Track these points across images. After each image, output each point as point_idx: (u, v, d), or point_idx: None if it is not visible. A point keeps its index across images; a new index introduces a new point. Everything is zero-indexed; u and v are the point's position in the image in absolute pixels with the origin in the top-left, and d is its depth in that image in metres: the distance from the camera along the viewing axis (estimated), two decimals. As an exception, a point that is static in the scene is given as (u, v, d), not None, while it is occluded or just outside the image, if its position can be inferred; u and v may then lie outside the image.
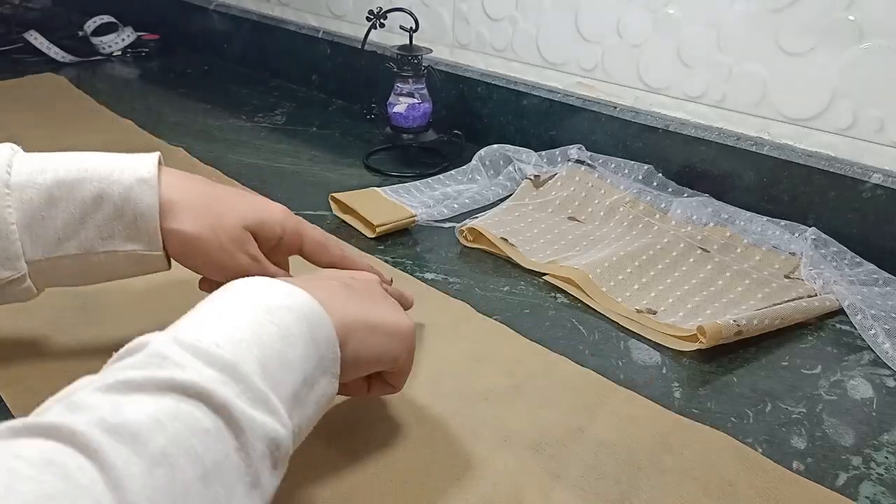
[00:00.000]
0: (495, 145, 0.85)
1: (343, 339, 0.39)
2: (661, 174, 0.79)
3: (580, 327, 0.60)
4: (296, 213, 0.75)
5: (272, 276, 0.47)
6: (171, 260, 0.49)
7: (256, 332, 0.35)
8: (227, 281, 0.42)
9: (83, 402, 0.28)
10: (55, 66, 1.22)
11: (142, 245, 0.46)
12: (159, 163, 0.48)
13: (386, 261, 0.68)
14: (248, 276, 0.46)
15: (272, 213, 0.51)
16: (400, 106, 0.86)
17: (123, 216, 0.46)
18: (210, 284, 0.51)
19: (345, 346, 0.39)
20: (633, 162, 0.80)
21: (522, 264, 0.67)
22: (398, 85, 0.86)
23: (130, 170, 0.46)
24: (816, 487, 0.44)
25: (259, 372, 0.33)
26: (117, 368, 0.31)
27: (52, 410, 0.28)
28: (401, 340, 0.43)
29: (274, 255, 0.52)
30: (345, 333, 0.39)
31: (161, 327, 0.34)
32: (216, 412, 0.30)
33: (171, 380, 0.30)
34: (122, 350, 0.32)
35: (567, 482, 0.44)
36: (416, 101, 0.86)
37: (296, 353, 0.35)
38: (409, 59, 0.84)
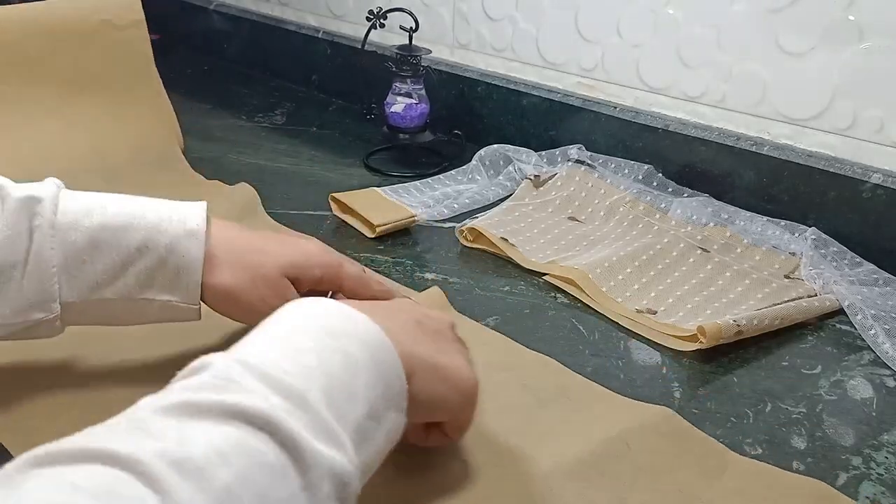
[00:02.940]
0: (495, 145, 0.85)
1: (408, 373, 0.37)
2: (661, 174, 0.79)
3: (580, 327, 0.60)
4: (296, 214, 0.76)
5: None
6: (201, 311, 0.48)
7: (322, 358, 0.33)
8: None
9: (146, 425, 0.27)
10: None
11: (179, 297, 0.46)
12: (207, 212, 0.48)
13: (386, 261, 0.68)
14: None
15: (310, 256, 0.50)
16: (397, 106, 0.86)
17: (166, 267, 0.45)
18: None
19: (409, 383, 0.37)
20: (633, 162, 0.80)
21: (522, 264, 0.67)
22: (396, 85, 0.86)
23: (179, 221, 0.46)
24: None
25: (325, 402, 0.31)
26: (181, 388, 0.30)
27: (111, 431, 0.27)
28: (462, 393, 0.41)
29: (314, 294, 0.50)
30: (409, 368, 0.37)
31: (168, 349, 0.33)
32: (282, 446, 0.29)
33: (236, 405, 0.29)
34: (185, 369, 0.32)
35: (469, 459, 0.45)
36: (413, 101, 0.86)
37: (360, 383, 0.33)
38: (407, 59, 0.84)
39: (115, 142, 0.80)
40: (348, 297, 0.51)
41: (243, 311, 0.48)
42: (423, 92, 0.87)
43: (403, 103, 0.86)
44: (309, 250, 0.50)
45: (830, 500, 0.44)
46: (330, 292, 0.51)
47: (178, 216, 0.46)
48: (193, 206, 0.47)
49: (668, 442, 0.48)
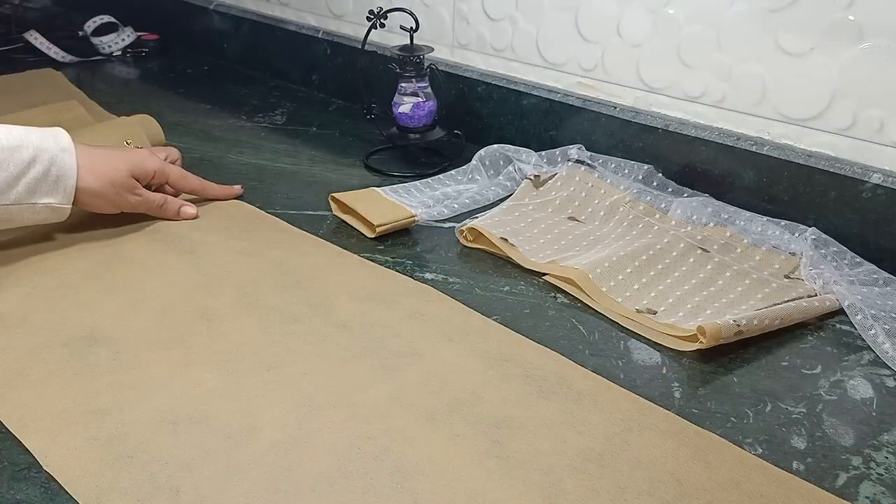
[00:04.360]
0: (495, 145, 0.85)
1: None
2: (661, 174, 0.79)
3: (580, 327, 0.60)
4: (296, 214, 0.76)
5: (154, 202, 0.70)
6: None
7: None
8: (120, 212, 0.68)
9: None
10: (55, 66, 1.21)
11: (58, 199, 0.62)
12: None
13: (386, 261, 0.68)
14: (136, 210, 0.69)
15: (144, 159, 0.69)
16: (405, 106, 0.86)
17: (48, 176, 0.61)
18: None
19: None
20: (633, 162, 0.80)
21: (522, 264, 0.67)
22: (402, 85, 0.86)
23: (55, 141, 0.62)
24: (813, 488, 0.45)
25: None
26: None
27: None
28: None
29: (149, 187, 0.71)
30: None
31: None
32: None
33: None
34: None
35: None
36: (420, 99, 0.86)
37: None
38: (410, 59, 0.84)
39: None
40: (175, 187, 0.74)
41: (106, 205, 0.67)
42: (429, 90, 0.87)
43: (411, 103, 0.86)
44: (143, 155, 0.70)
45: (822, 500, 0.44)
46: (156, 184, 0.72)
47: (53, 137, 0.62)
48: (59, 130, 0.64)
49: (667, 433, 0.48)
